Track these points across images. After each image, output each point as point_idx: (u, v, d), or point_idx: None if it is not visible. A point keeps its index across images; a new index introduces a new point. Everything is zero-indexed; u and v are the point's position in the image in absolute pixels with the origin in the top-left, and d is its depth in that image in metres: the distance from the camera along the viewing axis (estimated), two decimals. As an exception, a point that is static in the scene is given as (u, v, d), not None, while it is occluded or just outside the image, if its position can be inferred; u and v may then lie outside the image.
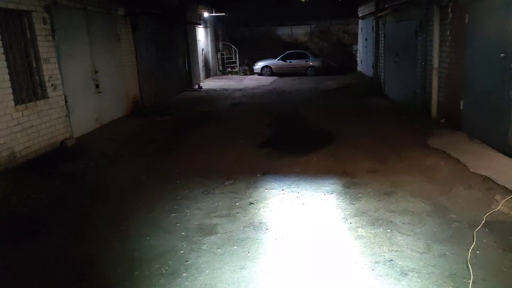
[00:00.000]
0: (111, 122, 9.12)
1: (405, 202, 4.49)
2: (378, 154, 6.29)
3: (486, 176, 5.00)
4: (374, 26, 13.92)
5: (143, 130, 8.45)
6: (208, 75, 20.44)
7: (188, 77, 16.06)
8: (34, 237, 4.05)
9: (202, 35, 19.40)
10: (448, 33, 7.56)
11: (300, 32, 26.38)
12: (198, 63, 18.34)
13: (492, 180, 4.85)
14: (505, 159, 5.46)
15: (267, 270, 3.32)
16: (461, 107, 7.00)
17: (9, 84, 5.87)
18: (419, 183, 5.01)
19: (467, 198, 4.50)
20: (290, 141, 7.62)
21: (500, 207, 4.18)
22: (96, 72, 8.58)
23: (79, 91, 7.90)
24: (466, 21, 6.76)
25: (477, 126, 6.45)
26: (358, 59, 20.50)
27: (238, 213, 4.45)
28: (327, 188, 5.04)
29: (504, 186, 4.65)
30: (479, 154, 5.78)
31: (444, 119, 7.77)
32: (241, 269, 3.35)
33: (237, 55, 23.72)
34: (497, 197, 4.42)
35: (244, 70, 22.95)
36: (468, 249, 3.45)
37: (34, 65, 6.56)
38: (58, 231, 4.18)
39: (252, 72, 22.65)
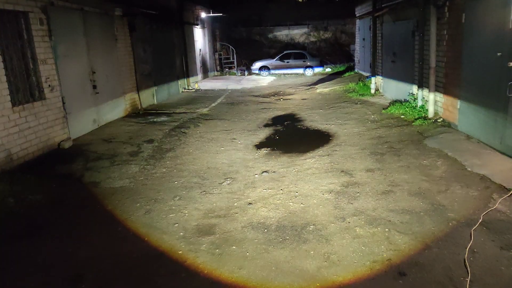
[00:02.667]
0: (109, 123, 9.10)
1: (403, 201, 4.50)
2: (375, 153, 6.30)
3: (483, 175, 5.01)
4: (371, 26, 13.93)
5: (141, 130, 8.44)
6: (206, 75, 20.44)
7: (185, 78, 16.07)
8: (31, 238, 4.04)
9: (199, 36, 19.40)
10: (445, 33, 7.57)
11: (297, 32, 26.45)
12: (195, 63, 18.34)
13: (489, 179, 4.86)
14: (502, 158, 5.48)
15: (265, 270, 3.32)
16: (458, 106, 7.02)
17: (6, 85, 5.86)
18: (416, 182, 5.03)
19: (464, 197, 4.51)
20: (288, 140, 7.63)
21: (497, 206, 4.19)
22: (94, 73, 8.56)
23: (76, 92, 7.88)
24: (463, 20, 6.78)
25: (474, 125, 6.47)
26: (356, 59, 20.52)
27: (236, 213, 4.45)
28: (325, 187, 5.05)
29: (501, 185, 4.66)
30: (476, 153, 5.80)
31: (441, 118, 7.80)
32: (239, 269, 3.36)
33: (234, 55, 23.74)
34: (495, 195, 4.44)
35: (242, 70, 22.96)
36: (466, 248, 3.47)
37: (31, 66, 6.54)
38: (56, 232, 4.17)
39: (250, 72, 22.67)
